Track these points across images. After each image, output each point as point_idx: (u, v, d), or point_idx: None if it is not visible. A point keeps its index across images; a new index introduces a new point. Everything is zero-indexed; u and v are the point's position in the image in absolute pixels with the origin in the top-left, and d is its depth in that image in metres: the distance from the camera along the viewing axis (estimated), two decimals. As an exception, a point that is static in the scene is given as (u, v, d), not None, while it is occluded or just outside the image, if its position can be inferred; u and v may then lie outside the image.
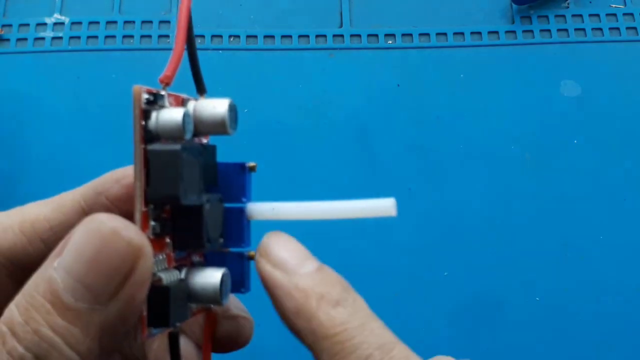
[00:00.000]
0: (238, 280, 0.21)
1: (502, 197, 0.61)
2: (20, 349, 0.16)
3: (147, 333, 0.18)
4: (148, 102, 0.18)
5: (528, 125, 0.64)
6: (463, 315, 0.58)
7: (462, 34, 0.69)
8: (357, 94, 0.65)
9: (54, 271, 0.16)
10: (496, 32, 0.69)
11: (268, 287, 0.20)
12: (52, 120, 0.63)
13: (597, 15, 0.70)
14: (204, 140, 0.21)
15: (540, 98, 0.66)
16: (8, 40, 0.66)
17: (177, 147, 0.18)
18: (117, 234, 0.16)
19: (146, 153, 0.18)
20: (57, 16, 0.67)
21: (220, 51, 0.67)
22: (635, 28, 0.70)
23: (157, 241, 0.19)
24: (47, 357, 0.16)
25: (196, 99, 0.20)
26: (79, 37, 0.66)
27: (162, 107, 0.19)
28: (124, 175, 0.22)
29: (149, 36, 0.67)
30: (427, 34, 0.69)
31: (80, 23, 0.67)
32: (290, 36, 0.68)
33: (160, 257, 0.19)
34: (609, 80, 0.67)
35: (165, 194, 0.18)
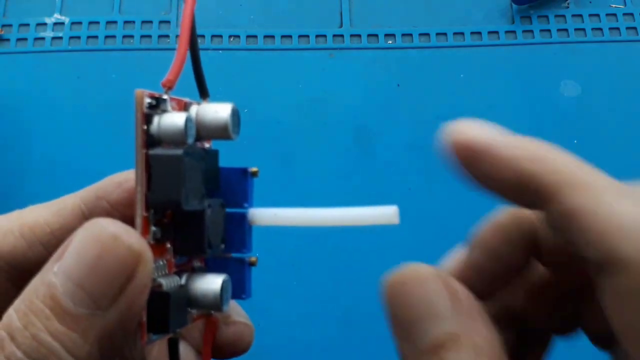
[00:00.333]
0: (239, 286, 0.21)
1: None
2: (18, 354, 0.16)
3: (146, 339, 0.18)
4: (150, 106, 0.18)
5: (528, 125, 0.64)
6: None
7: (462, 34, 0.69)
8: (357, 94, 0.65)
9: (54, 276, 0.16)
10: (496, 32, 0.69)
11: None
12: (52, 120, 0.63)
13: (597, 15, 0.70)
14: (207, 145, 0.21)
15: (540, 98, 0.66)
16: (8, 40, 0.66)
17: (179, 152, 0.18)
18: (117, 239, 0.16)
19: (148, 158, 0.18)
20: (57, 16, 0.67)
21: (220, 51, 0.67)
22: (635, 28, 0.70)
23: (157, 246, 0.19)
24: None
25: (199, 103, 0.20)
26: (79, 37, 0.66)
27: (165, 111, 0.19)
28: (125, 179, 0.21)
29: (149, 36, 0.67)
30: (427, 34, 0.69)
31: (80, 23, 0.67)
32: (290, 36, 0.68)
33: (161, 262, 0.19)
34: (609, 80, 0.67)
35: (166, 199, 0.18)
